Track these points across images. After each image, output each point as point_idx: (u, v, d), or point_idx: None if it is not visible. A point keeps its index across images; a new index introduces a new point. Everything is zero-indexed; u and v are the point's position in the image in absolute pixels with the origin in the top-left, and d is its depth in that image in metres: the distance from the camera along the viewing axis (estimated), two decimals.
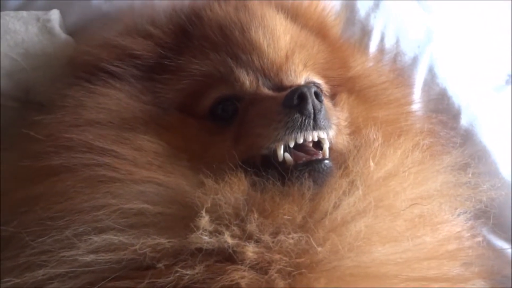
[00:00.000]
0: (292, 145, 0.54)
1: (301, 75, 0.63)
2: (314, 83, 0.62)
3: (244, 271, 0.47)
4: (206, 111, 0.60)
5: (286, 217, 0.49)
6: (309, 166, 0.53)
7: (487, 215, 0.78)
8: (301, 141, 0.54)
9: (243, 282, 0.46)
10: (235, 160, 0.54)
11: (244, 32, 0.62)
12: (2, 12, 0.71)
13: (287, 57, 0.63)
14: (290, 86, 0.60)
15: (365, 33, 0.84)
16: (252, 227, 0.48)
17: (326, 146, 0.56)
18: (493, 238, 0.79)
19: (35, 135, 0.57)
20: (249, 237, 0.48)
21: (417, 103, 0.84)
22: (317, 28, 0.72)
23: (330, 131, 0.57)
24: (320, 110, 0.54)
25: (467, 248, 0.61)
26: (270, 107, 0.56)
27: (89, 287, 0.48)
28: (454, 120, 0.83)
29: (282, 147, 0.54)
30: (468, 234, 0.64)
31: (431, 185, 0.59)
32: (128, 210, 0.49)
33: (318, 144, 0.56)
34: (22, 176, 0.56)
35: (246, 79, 0.60)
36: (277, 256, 0.47)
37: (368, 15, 0.85)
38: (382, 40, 0.85)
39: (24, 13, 0.70)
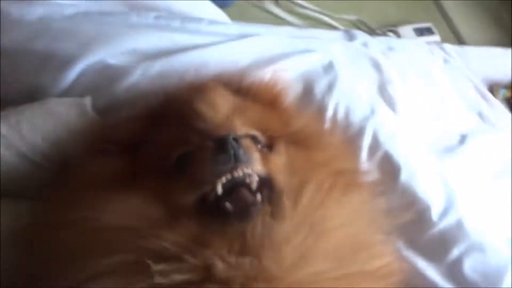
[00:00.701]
0: (224, 180, 0.69)
1: (241, 130, 0.78)
2: (249, 134, 0.78)
3: (213, 285, 0.61)
4: (170, 167, 0.75)
5: (229, 247, 0.64)
6: (244, 210, 0.68)
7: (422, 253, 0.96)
8: (229, 177, 0.69)
9: None
10: (188, 202, 0.70)
11: (191, 105, 0.79)
12: (48, 99, 0.94)
13: (227, 118, 0.78)
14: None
15: (321, 109, 1.08)
16: (203, 258, 0.63)
17: (256, 178, 0.70)
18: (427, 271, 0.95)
19: (58, 195, 0.76)
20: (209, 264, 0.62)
21: (364, 164, 1.04)
22: (263, 100, 0.90)
23: (254, 165, 0.71)
24: (238, 149, 0.69)
25: (395, 269, 0.75)
26: (206, 154, 0.71)
27: None
28: (395, 175, 1.02)
29: (220, 182, 0.69)
30: (395, 256, 0.78)
31: (350, 209, 0.75)
32: (110, 262, 0.63)
33: (258, 189, 0.71)
34: (48, 227, 0.72)
35: (196, 138, 0.75)
36: (237, 275, 0.62)
37: (323, 97, 1.09)
38: (335, 114, 1.08)
39: (66, 99, 0.93)
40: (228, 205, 0.68)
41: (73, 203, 0.72)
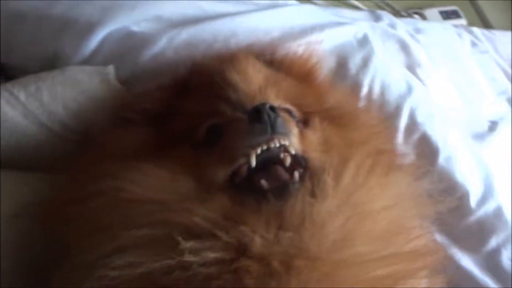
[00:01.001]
0: (259, 151, 0.64)
1: (275, 103, 0.73)
2: (284, 108, 0.74)
3: (250, 262, 0.56)
4: (200, 140, 0.73)
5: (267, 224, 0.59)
6: (281, 189, 0.64)
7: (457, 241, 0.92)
8: (265, 147, 0.64)
9: (252, 270, 0.55)
10: (220, 176, 0.66)
11: (223, 75, 0.76)
12: (70, 67, 0.89)
13: (260, 90, 0.75)
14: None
15: (356, 85, 1.01)
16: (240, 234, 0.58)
17: (293, 153, 0.66)
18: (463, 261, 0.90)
19: (79, 166, 0.72)
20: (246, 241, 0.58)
21: (401, 145, 0.98)
22: (297, 74, 0.86)
23: (291, 138, 0.67)
24: (275, 119, 0.65)
25: (436, 259, 0.70)
26: (240, 125, 0.68)
27: None
28: (433, 158, 0.97)
29: (254, 154, 0.64)
30: (436, 247, 0.75)
31: (394, 192, 0.70)
32: (137, 235, 0.59)
33: (292, 167, 0.67)
34: (69, 200, 0.68)
35: (227, 109, 0.72)
36: (276, 251, 0.57)
37: (358, 72, 1.03)
38: (370, 91, 1.01)
39: (88, 68, 0.88)
40: (263, 182, 0.64)
41: (99, 174, 0.67)
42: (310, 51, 0.92)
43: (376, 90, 1.03)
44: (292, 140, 0.67)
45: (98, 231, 0.63)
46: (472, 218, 0.95)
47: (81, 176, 0.71)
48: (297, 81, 0.84)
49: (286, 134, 0.66)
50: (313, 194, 0.64)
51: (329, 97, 0.86)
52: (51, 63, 0.94)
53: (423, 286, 0.65)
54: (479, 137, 1.18)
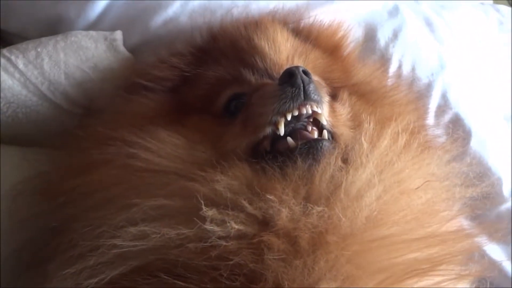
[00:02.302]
0: (289, 118, 0.58)
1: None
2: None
3: (273, 237, 0.51)
4: (221, 109, 0.67)
5: (294, 194, 0.53)
6: (308, 145, 0.58)
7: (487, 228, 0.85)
8: (296, 113, 0.58)
9: (274, 247, 0.50)
10: (243, 146, 0.60)
11: (250, 41, 0.71)
12: (73, 32, 0.80)
13: (287, 59, 0.69)
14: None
15: (385, 60, 0.91)
16: (266, 205, 0.52)
17: (324, 124, 0.61)
18: (491, 251, 0.82)
19: (83, 134, 0.65)
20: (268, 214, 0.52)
21: (431, 125, 0.89)
22: (325, 45, 0.79)
23: (323, 106, 0.61)
24: (309, 84, 0.59)
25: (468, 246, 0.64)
26: (268, 90, 0.62)
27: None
28: (466, 140, 0.89)
29: (283, 121, 0.58)
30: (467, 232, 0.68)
31: (428, 171, 0.64)
32: (152, 205, 0.54)
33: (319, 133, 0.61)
34: (71, 170, 0.63)
35: (252, 78, 0.67)
36: (303, 226, 0.51)
37: (387, 45, 0.93)
38: (400, 67, 0.92)
39: (93, 33, 0.79)
40: (290, 140, 0.58)
41: (108, 141, 0.61)
42: (338, 21, 0.83)
43: (407, 65, 0.93)
44: (324, 109, 0.62)
45: (106, 202, 0.57)
46: (504, 207, 0.87)
47: (87, 144, 0.64)
48: (324, 53, 0.77)
49: (318, 101, 0.60)
50: (345, 161, 0.58)
51: (357, 72, 0.79)
52: (54, 28, 0.85)
53: (457, 274, 0.58)
54: (507, 119, 1.08)
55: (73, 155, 0.66)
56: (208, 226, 0.51)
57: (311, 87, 0.60)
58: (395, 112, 0.74)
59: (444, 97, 0.93)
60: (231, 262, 0.49)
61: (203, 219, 0.51)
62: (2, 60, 0.73)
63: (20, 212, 0.66)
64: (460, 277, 0.59)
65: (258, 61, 0.68)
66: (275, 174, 0.55)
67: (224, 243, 0.50)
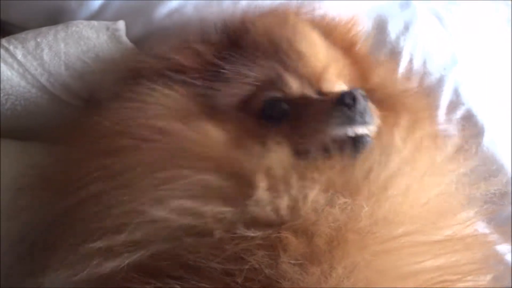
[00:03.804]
0: (344, 137, 0.59)
1: (335, 84, 0.68)
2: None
3: (290, 235, 0.49)
4: (258, 111, 0.64)
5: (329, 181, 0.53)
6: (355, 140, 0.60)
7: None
8: (352, 134, 0.59)
9: (291, 247, 0.48)
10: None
11: (291, 43, 0.67)
12: (75, 21, 0.76)
13: (324, 68, 0.68)
14: (329, 93, 0.66)
15: (395, 54, 0.87)
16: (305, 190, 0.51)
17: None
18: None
19: (104, 121, 0.60)
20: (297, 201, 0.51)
21: (443, 122, 0.87)
22: (345, 46, 0.76)
23: (373, 127, 0.62)
24: (366, 109, 0.60)
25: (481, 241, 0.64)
26: (324, 107, 0.61)
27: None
28: (478, 138, 0.85)
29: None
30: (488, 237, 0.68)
31: (445, 174, 0.62)
32: (197, 180, 0.52)
33: None
34: (91, 153, 0.59)
35: (293, 84, 0.65)
36: (325, 220, 0.50)
37: (398, 38, 0.89)
38: (410, 61, 0.88)
39: (95, 23, 0.75)
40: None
41: (133, 130, 0.58)
42: (351, 17, 0.79)
43: (418, 59, 0.89)
44: (372, 129, 0.62)
45: (131, 185, 0.54)
46: None
47: (110, 130, 0.60)
48: (342, 51, 0.75)
49: (371, 124, 0.62)
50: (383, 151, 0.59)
51: (372, 75, 0.76)
52: (55, 19, 0.81)
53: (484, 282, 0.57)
54: None
55: (96, 141, 0.61)
56: (253, 207, 0.50)
57: (368, 112, 0.61)
58: (411, 119, 0.71)
59: (456, 92, 0.89)
60: (247, 267, 0.47)
61: (249, 199, 0.51)
62: (1, 51, 0.70)
63: (20, 205, 0.63)
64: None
65: (300, 67, 0.66)
66: (318, 161, 0.55)
67: (252, 234, 0.48)
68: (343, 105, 0.59)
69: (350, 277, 0.47)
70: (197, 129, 0.59)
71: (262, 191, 0.51)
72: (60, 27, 0.74)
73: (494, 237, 0.80)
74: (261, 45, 0.68)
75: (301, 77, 0.66)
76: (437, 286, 0.50)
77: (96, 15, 0.82)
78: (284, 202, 0.51)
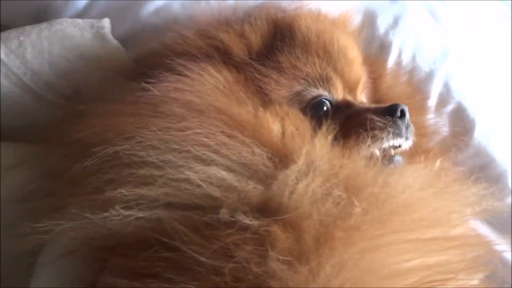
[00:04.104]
0: (387, 147, 0.65)
1: (362, 94, 0.73)
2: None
3: (279, 229, 0.48)
4: (305, 106, 0.66)
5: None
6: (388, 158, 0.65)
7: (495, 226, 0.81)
8: (397, 145, 0.65)
9: (279, 242, 0.47)
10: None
11: (342, 49, 0.70)
12: (59, 20, 0.75)
13: (360, 77, 0.72)
14: (360, 103, 0.71)
15: (384, 48, 0.87)
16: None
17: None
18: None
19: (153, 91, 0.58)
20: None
21: (433, 115, 0.87)
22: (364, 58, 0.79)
23: (409, 141, 0.67)
24: (409, 124, 0.66)
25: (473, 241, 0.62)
26: (370, 115, 0.65)
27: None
28: (469, 131, 0.85)
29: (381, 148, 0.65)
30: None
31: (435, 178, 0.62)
32: (246, 152, 0.53)
33: None
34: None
35: (339, 87, 0.69)
36: (315, 215, 0.49)
37: (387, 32, 0.88)
38: (399, 55, 0.87)
39: (79, 21, 0.74)
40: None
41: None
42: (346, 13, 0.81)
43: (407, 53, 0.88)
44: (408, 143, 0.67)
45: (177, 142, 0.54)
46: (510, 199, 0.83)
47: (158, 98, 0.59)
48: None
49: (410, 138, 0.67)
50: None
51: (382, 84, 0.81)
52: (41, 18, 0.80)
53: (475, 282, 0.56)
54: None
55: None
56: (276, 187, 0.50)
57: (410, 127, 0.66)
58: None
59: (446, 86, 0.88)
60: (234, 264, 0.46)
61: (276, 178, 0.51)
62: None
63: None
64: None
65: (346, 73, 0.69)
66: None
67: (248, 222, 0.48)
68: (393, 116, 0.64)
69: (338, 276, 0.46)
70: (256, 116, 0.59)
71: (292, 171, 0.52)
72: (43, 25, 0.73)
73: (493, 235, 0.79)
74: (313, 44, 0.70)
75: (345, 82, 0.69)
76: (427, 285, 0.49)
77: (82, 14, 0.81)
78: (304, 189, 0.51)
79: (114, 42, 0.74)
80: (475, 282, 0.56)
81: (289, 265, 0.46)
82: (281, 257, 0.46)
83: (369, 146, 0.62)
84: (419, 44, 0.89)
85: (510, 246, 0.80)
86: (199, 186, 0.50)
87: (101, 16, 0.78)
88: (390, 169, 0.59)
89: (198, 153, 0.52)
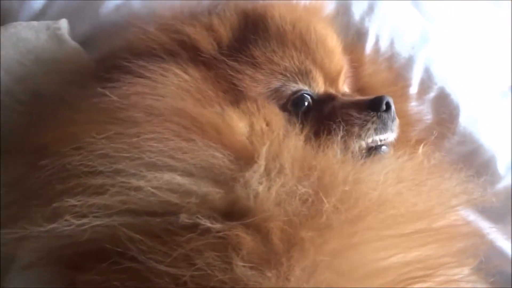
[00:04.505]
0: (371, 141, 0.62)
1: (343, 85, 0.70)
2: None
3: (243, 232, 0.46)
4: (285, 103, 0.63)
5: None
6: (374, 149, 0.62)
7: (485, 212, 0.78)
8: (382, 139, 0.62)
9: (243, 246, 0.45)
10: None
11: (321, 39, 0.67)
12: (13, 23, 0.72)
13: (341, 67, 0.69)
14: (343, 94, 0.68)
15: (360, 35, 0.83)
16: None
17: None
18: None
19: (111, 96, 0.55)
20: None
21: (415, 102, 0.83)
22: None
23: (393, 134, 0.65)
24: (394, 117, 0.63)
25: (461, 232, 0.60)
26: (354, 109, 0.62)
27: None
28: (455, 118, 0.82)
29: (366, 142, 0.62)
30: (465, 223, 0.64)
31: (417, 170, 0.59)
32: (205, 156, 0.50)
33: None
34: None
35: (320, 80, 0.65)
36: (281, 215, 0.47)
37: (362, 19, 0.85)
38: (376, 42, 0.84)
39: (35, 23, 0.71)
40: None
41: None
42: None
43: (385, 39, 0.84)
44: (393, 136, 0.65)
45: (132, 149, 0.51)
46: (501, 185, 0.80)
47: (118, 103, 0.55)
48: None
49: (394, 132, 0.64)
50: None
51: (362, 73, 0.78)
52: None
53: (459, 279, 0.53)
54: (503, 94, 1.01)
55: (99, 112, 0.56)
56: (239, 190, 0.48)
57: (395, 120, 0.64)
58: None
59: (427, 71, 0.84)
60: (195, 272, 0.43)
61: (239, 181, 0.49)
62: None
63: None
64: (461, 282, 0.53)
65: (326, 64, 0.66)
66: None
67: (209, 225, 0.45)
68: (379, 110, 0.62)
69: (310, 280, 0.44)
70: (220, 116, 0.56)
71: (255, 173, 0.49)
72: None
73: (485, 224, 0.76)
74: (289, 35, 0.66)
75: (325, 74, 0.66)
76: (406, 283, 0.47)
77: (40, 15, 0.78)
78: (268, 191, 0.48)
79: (72, 43, 0.71)
80: (457, 277, 0.52)
81: (256, 270, 0.43)
82: (247, 262, 0.43)
83: (346, 142, 0.59)
84: (396, 29, 0.86)
85: (510, 233, 0.78)
86: (153, 194, 0.47)
87: (59, 17, 0.75)
88: (363, 165, 0.54)
89: (151, 159, 0.49)
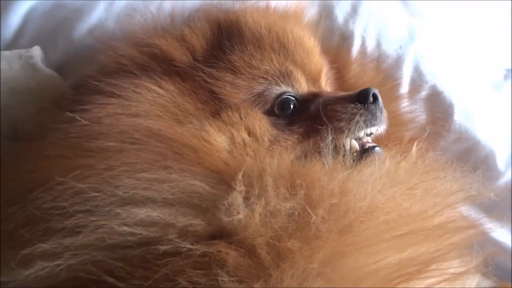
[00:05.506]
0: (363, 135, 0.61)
1: (325, 84, 0.69)
2: None
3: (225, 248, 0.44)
4: (269, 107, 0.62)
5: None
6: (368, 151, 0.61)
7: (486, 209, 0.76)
8: (373, 132, 0.62)
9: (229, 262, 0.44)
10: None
11: (298, 40, 0.66)
12: None
13: (322, 66, 0.68)
14: (327, 92, 0.67)
15: (345, 38, 0.81)
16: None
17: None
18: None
19: (81, 120, 0.54)
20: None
21: (408, 102, 0.81)
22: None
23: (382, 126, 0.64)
24: (382, 108, 0.62)
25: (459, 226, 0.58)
26: (340, 104, 0.61)
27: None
28: (448, 115, 0.80)
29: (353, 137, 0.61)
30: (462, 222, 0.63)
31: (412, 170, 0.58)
32: (184, 187, 0.48)
33: None
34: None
35: (302, 80, 0.64)
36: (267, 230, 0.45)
37: (346, 21, 0.83)
38: (363, 43, 0.82)
39: (6, 53, 0.68)
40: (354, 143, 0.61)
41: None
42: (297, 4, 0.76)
43: (371, 41, 0.82)
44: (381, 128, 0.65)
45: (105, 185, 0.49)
46: (501, 181, 0.78)
47: (89, 130, 0.54)
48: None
49: (383, 124, 0.64)
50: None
51: (347, 73, 0.77)
52: None
53: (453, 272, 0.52)
54: (495, 86, 0.99)
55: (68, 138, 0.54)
56: (222, 215, 0.46)
57: (383, 112, 0.62)
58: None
59: (417, 70, 0.82)
60: None
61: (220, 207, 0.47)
62: None
63: None
64: (457, 275, 0.51)
65: (307, 64, 0.65)
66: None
67: (190, 246, 0.44)
68: (366, 103, 0.61)
69: None
70: (197, 133, 0.54)
71: (236, 196, 0.47)
72: None
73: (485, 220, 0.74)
74: (265, 38, 0.65)
75: (307, 74, 0.65)
76: (395, 281, 0.46)
77: (14, 42, 0.75)
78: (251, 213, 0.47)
79: (47, 70, 0.69)
80: (451, 270, 0.51)
81: (243, 283, 0.43)
82: (234, 276, 0.43)
83: (337, 142, 0.58)
84: (382, 29, 0.84)
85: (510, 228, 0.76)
86: (130, 232, 0.45)
87: (32, 44, 0.73)
88: (352, 172, 0.53)
89: (126, 194, 0.47)
